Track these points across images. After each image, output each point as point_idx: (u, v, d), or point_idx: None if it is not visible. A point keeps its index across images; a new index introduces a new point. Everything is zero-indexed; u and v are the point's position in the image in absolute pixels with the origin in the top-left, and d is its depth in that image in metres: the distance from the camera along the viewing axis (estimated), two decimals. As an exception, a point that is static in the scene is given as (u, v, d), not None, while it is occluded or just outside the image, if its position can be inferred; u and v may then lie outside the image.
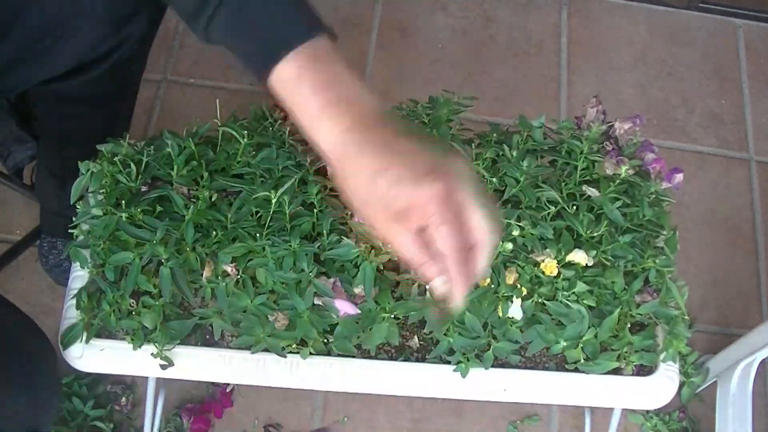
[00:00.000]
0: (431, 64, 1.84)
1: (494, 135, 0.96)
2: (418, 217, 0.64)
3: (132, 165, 0.87)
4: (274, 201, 0.81)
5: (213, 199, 0.85)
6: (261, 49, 0.67)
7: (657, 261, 0.88)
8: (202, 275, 0.83)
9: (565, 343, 0.85)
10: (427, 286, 0.72)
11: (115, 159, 0.88)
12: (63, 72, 0.97)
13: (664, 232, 0.91)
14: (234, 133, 0.89)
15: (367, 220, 0.67)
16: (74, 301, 0.86)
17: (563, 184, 0.91)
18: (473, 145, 0.95)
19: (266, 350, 0.85)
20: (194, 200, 0.85)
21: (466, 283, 0.66)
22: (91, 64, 0.97)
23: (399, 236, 0.65)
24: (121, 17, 0.92)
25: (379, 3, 1.91)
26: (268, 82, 0.67)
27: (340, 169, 0.66)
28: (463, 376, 0.86)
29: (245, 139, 0.89)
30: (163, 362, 0.85)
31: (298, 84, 0.65)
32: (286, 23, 0.67)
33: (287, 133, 0.94)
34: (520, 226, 0.85)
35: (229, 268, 0.82)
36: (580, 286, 0.83)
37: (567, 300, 0.84)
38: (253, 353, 0.85)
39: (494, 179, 0.90)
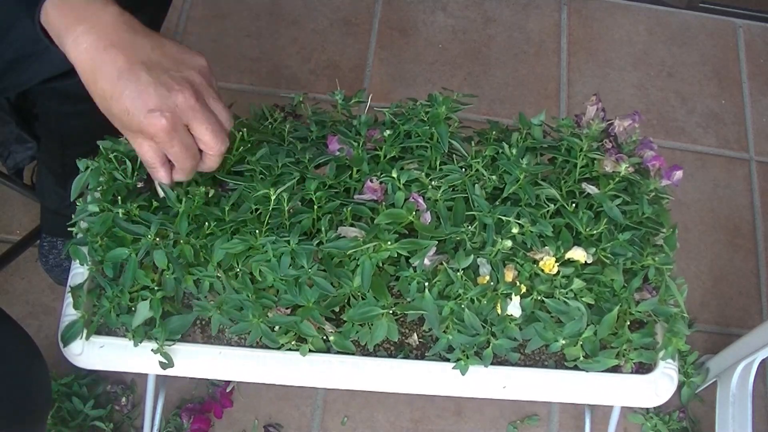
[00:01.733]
0: (431, 64, 1.84)
1: (494, 133, 0.96)
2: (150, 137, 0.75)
3: (128, 162, 0.87)
4: (273, 198, 0.81)
5: (210, 195, 0.85)
6: None
7: (656, 259, 0.87)
8: (197, 267, 0.83)
9: (564, 341, 0.85)
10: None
11: (111, 156, 0.88)
12: (64, 71, 0.97)
13: (664, 230, 0.91)
14: (233, 130, 0.89)
15: (115, 126, 0.76)
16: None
17: (563, 181, 0.91)
18: (473, 142, 0.95)
19: (264, 346, 0.85)
20: (190, 197, 0.85)
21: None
22: (92, 63, 0.97)
23: (138, 144, 0.76)
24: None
25: (379, 3, 1.91)
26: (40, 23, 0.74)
27: (84, 83, 0.74)
28: (463, 373, 0.86)
29: (244, 137, 0.89)
30: (162, 360, 0.85)
31: (51, 12, 0.72)
32: None
33: (286, 131, 0.94)
34: (519, 223, 0.85)
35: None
36: (578, 283, 0.83)
37: (566, 297, 0.84)
38: (249, 343, 0.86)
39: (494, 177, 0.90)
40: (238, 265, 0.82)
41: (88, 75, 0.73)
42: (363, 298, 0.84)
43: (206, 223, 0.82)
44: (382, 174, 0.89)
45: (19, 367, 0.86)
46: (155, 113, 0.72)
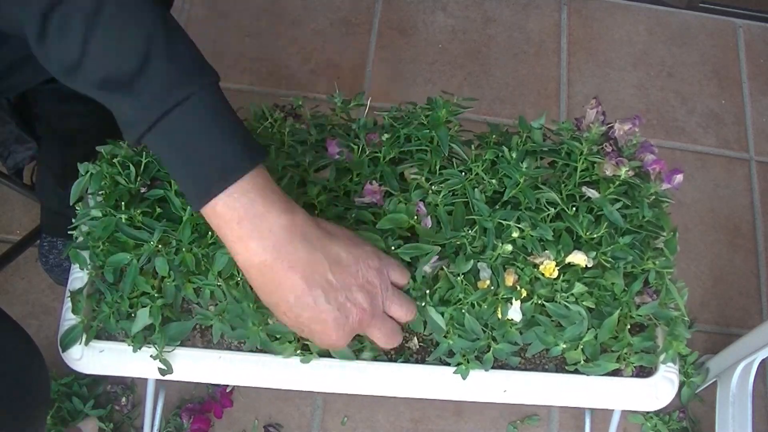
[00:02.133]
0: (431, 64, 1.84)
1: (493, 136, 0.96)
2: None
3: (131, 166, 0.87)
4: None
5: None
6: (191, 187, 0.70)
7: (657, 262, 0.87)
8: (198, 275, 0.83)
9: (564, 345, 0.85)
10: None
11: (114, 160, 0.88)
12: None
13: (664, 234, 0.91)
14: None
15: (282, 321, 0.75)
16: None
17: (563, 185, 0.91)
18: (473, 146, 0.95)
19: (264, 351, 0.85)
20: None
21: None
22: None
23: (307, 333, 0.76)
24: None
25: (379, 3, 1.91)
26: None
27: (250, 281, 0.73)
28: (463, 377, 0.86)
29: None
30: (161, 366, 0.85)
31: (221, 209, 0.69)
32: (210, 162, 0.69)
33: (287, 133, 0.94)
34: (519, 227, 0.85)
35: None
36: (579, 287, 0.83)
37: (566, 301, 0.84)
38: (247, 350, 0.85)
39: (494, 180, 0.90)
40: (238, 273, 0.82)
41: (258, 285, 0.72)
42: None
43: (209, 232, 0.82)
44: (381, 177, 0.89)
45: (19, 366, 0.86)
46: (338, 333, 0.74)
